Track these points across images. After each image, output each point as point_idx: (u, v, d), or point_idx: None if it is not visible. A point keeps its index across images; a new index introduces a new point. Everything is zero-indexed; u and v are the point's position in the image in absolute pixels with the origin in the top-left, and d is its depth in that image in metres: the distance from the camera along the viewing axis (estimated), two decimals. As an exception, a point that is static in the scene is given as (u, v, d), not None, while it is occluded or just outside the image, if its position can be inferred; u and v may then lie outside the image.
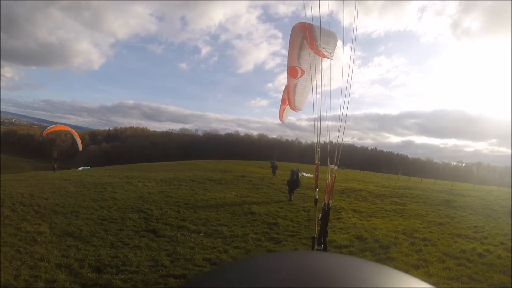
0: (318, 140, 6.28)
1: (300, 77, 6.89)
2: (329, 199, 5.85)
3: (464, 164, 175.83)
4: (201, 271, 7.56)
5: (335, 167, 6.32)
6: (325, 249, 5.70)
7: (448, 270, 7.91)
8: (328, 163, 6.53)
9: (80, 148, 32.98)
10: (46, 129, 30.97)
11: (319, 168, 6.42)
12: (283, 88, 10.05)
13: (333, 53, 5.57)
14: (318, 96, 5.97)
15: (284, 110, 10.45)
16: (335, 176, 6.23)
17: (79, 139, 32.39)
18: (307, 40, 5.66)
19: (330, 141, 6.50)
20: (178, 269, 7.68)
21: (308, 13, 5.19)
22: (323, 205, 5.78)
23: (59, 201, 14.18)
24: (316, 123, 5.99)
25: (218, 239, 10.14)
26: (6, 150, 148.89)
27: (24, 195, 14.61)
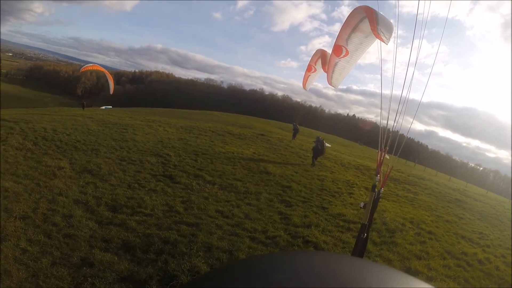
0: (386, 124, 6.22)
1: (343, 56, 6.89)
2: (381, 189, 5.72)
3: (482, 168, 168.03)
4: (213, 222, 7.63)
5: (387, 157, 6.21)
6: (366, 238, 5.62)
7: (447, 268, 7.88)
8: (380, 148, 6.41)
9: (112, 92, 32.79)
10: (84, 67, 30.90)
11: (382, 155, 6.21)
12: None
13: (389, 39, 5.66)
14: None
15: (308, 77, 10.19)
16: (392, 166, 6.21)
17: (113, 82, 31.89)
18: (370, 22, 5.71)
19: (389, 129, 6.40)
20: (191, 217, 7.76)
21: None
22: (372, 186, 5.66)
23: (81, 138, 14.36)
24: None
25: (232, 193, 10.18)
26: (32, 84, 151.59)
27: (47, 130, 14.84)
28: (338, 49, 6.80)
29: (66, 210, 7.06)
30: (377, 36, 5.61)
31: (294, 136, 29.90)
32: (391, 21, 5.91)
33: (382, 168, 6.10)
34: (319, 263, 0.89)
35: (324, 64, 8.89)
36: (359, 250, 5.66)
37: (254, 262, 0.93)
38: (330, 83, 7.71)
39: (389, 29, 5.71)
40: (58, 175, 9.29)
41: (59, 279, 4.68)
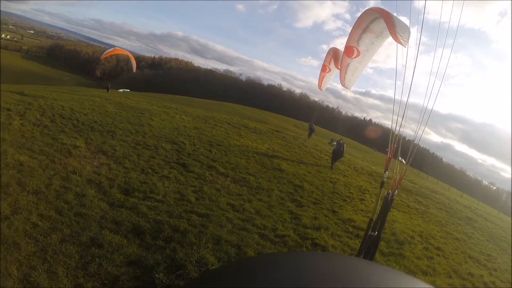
0: (396, 126, 6.22)
1: (355, 57, 6.97)
2: (395, 191, 5.64)
3: (495, 188, 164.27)
4: (223, 215, 7.55)
5: (404, 161, 6.23)
6: (378, 237, 5.52)
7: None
8: (399, 155, 6.45)
9: (135, 70, 33.60)
10: (105, 53, 30.81)
11: (392, 152, 6.25)
12: (336, 52, 9.56)
13: (408, 42, 5.70)
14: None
15: (323, 77, 10.17)
16: (406, 169, 6.04)
17: (135, 63, 32.75)
18: (388, 26, 5.79)
19: (403, 137, 6.42)
20: (202, 207, 7.69)
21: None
22: (386, 194, 5.58)
23: (97, 118, 14.43)
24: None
25: (244, 187, 10.08)
26: (52, 62, 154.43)
27: (64, 108, 14.95)
28: (349, 50, 6.91)
29: (79, 189, 7.05)
30: (396, 39, 5.63)
31: (309, 135, 29.98)
32: (405, 23, 5.92)
33: (395, 171, 6.04)
34: (318, 263, 0.90)
35: (336, 62, 8.94)
36: (368, 250, 5.58)
37: (254, 262, 0.96)
38: (343, 84, 7.85)
39: (406, 31, 5.72)
40: (73, 153, 9.32)
41: (67, 256, 4.65)
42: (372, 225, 5.56)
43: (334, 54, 9.72)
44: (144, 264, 4.89)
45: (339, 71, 8.04)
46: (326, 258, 1.01)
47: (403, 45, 5.61)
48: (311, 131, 30.50)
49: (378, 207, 5.77)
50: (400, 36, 5.56)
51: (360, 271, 0.88)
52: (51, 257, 4.55)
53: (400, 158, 6.45)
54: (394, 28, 5.64)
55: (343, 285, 0.76)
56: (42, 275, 4.17)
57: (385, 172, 6.22)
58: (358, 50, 6.78)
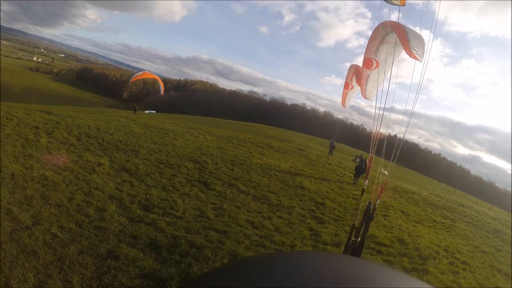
0: (377, 131, 6.28)
1: (374, 68, 6.96)
2: (376, 201, 5.55)
3: None
4: (242, 231, 7.49)
5: (386, 173, 6.28)
6: (362, 243, 5.41)
7: None
8: (381, 166, 6.49)
9: (162, 92, 35.12)
10: (134, 76, 31.75)
11: (372, 160, 6.30)
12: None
13: (423, 56, 5.58)
14: (392, 86, 5.96)
15: (347, 94, 10.13)
16: (387, 180, 6.04)
17: (163, 86, 34.07)
18: (400, 40, 5.74)
19: (400, 139, 6.32)
20: (221, 224, 7.67)
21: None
22: (367, 203, 5.49)
23: (122, 138, 14.79)
24: (378, 112, 5.89)
25: (264, 205, 10.03)
26: (81, 85, 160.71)
27: (91, 128, 15.42)
28: (368, 62, 6.90)
29: (100, 204, 7.20)
30: (411, 55, 5.53)
31: (330, 151, 30.09)
32: (420, 34, 5.84)
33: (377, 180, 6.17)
34: (318, 263, 0.90)
35: (358, 79, 8.99)
36: (352, 254, 5.45)
37: (253, 262, 0.97)
38: (364, 96, 7.77)
39: (421, 45, 5.62)
40: (97, 170, 9.55)
41: (83, 267, 4.71)
42: (355, 231, 5.48)
43: (355, 70, 9.72)
44: (158, 277, 4.90)
45: (359, 86, 8.08)
46: (326, 258, 1.02)
47: (418, 60, 5.51)
48: (332, 147, 30.58)
49: (361, 214, 5.72)
50: (415, 50, 5.47)
51: (360, 271, 0.87)
52: (67, 267, 4.62)
53: (382, 170, 6.45)
54: (408, 42, 5.56)
55: (343, 285, 0.76)
56: (57, 283, 4.24)
57: (365, 180, 6.26)
58: (376, 61, 6.78)
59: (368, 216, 5.33)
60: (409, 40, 5.54)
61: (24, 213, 5.80)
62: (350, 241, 5.35)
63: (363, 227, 5.40)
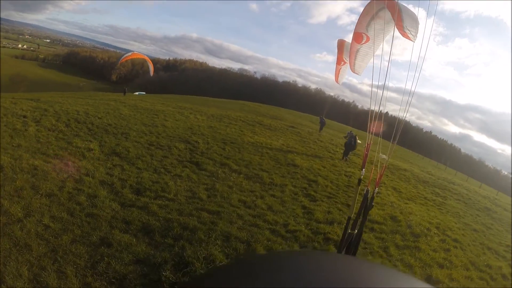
0: (373, 117, 6.03)
1: (364, 43, 6.89)
2: (375, 189, 5.42)
3: None
4: (234, 211, 7.57)
5: (384, 156, 6.09)
6: (360, 234, 5.31)
7: (469, 280, 7.46)
8: (379, 151, 6.32)
9: (152, 73, 34.53)
10: (123, 57, 31.32)
11: (369, 148, 6.12)
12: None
13: (416, 36, 5.51)
14: (386, 64, 5.80)
15: (340, 70, 10.07)
16: (385, 166, 5.94)
17: (152, 66, 33.71)
18: (395, 19, 5.62)
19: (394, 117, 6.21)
20: (213, 205, 7.74)
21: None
22: (365, 191, 5.29)
23: (112, 121, 14.69)
24: (375, 91, 5.71)
25: (257, 184, 10.11)
26: (68, 70, 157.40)
27: (79, 113, 15.27)
28: (358, 36, 6.82)
29: (91, 190, 7.19)
30: (404, 34, 5.49)
31: (321, 128, 30.15)
32: (414, 13, 5.74)
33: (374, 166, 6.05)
34: (319, 263, 0.90)
35: (347, 53, 8.96)
36: (348, 249, 5.34)
37: (257, 261, 0.97)
38: (353, 70, 7.74)
39: (415, 25, 5.55)
40: (87, 156, 9.51)
41: (76, 256, 4.75)
42: (351, 223, 5.33)
43: (345, 46, 9.66)
44: (152, 262, 4.96)
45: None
46: (326, 258, 1.02)
47: (411, 40, 5.47)
48: (322, 124, 30.67)
49: (357, 205, 5.52)
50: (409, 30, 5.42)
51: (360, 271, 0.90)
52: (61, 257, 4.66)
53: (381, 154, 6.29)
54: (402, 22, 5.50)
55: (343, 285, 0.78)
56: (52, 275, 4.28)
57: (362, 169, 5.94)
58: (367, 36, 6.69)
59: (366, 205, 5.18)
60: (403, 19, 5.47)
61: (15, 206, 5.78)
62: (346, 234, 5.22)
63: (361, 217, 5.27)
